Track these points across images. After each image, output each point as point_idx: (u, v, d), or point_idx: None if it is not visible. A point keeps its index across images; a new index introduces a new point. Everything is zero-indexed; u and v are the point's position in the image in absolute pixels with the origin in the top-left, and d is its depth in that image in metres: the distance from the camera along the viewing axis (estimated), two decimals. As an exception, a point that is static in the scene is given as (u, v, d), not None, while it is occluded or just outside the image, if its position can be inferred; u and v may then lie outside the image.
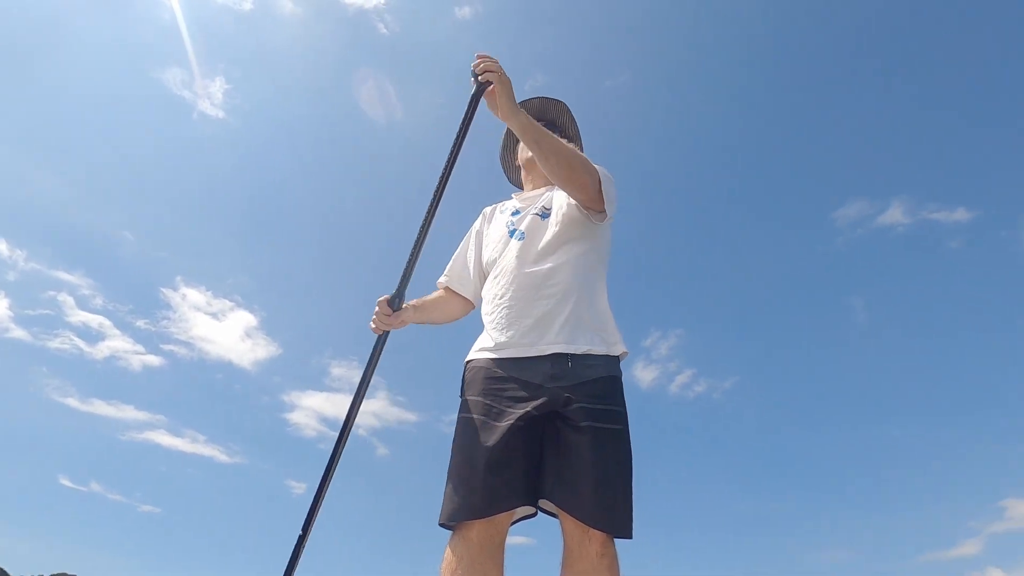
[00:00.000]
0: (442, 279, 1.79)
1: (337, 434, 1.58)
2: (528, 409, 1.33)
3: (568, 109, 1.82)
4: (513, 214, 1.67)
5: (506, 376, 1.40)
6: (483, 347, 1.49)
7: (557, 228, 1.53)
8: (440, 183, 1.54)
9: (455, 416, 1.46)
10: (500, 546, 1.30)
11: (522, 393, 1.36)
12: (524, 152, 1.78)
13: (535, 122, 1.46)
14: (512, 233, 1.61)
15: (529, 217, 1.60)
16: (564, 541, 1.29)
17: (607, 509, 1.24)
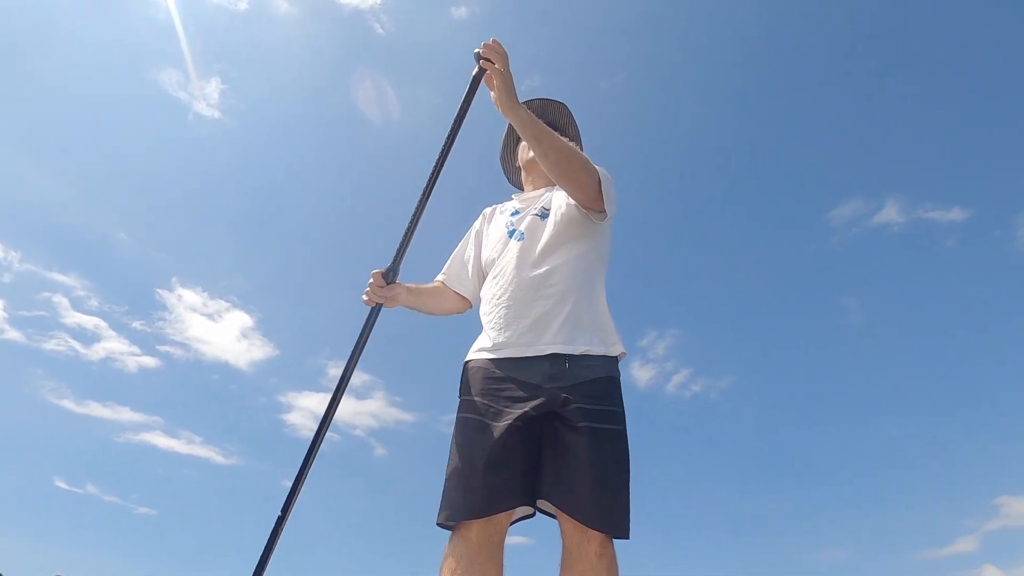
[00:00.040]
0: (440, 277, 1.79)
1: (324, 414, 1.58)
2: (526, 409, 1.33)
3: (569, 111, 1.82)
4: (513, 214, 1.67)
5: (504, 376, 1.40)
6: (481, 347, 1.49)
7: (556, 228, 1.53)
8: (440, 157, 1.55)
9: (453, 416, 1.45)
10: (499, 546, 1.30)
11: (520, 393, 1.36)
12: (525, 153, 1.78)
13: (536, 118, 1.46)
14: (511, 234, 1.60)
15: (529, 218, 1.59)
16: (563, 542, 1.28)
17: (605, 509, 1.24)
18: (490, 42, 1.47)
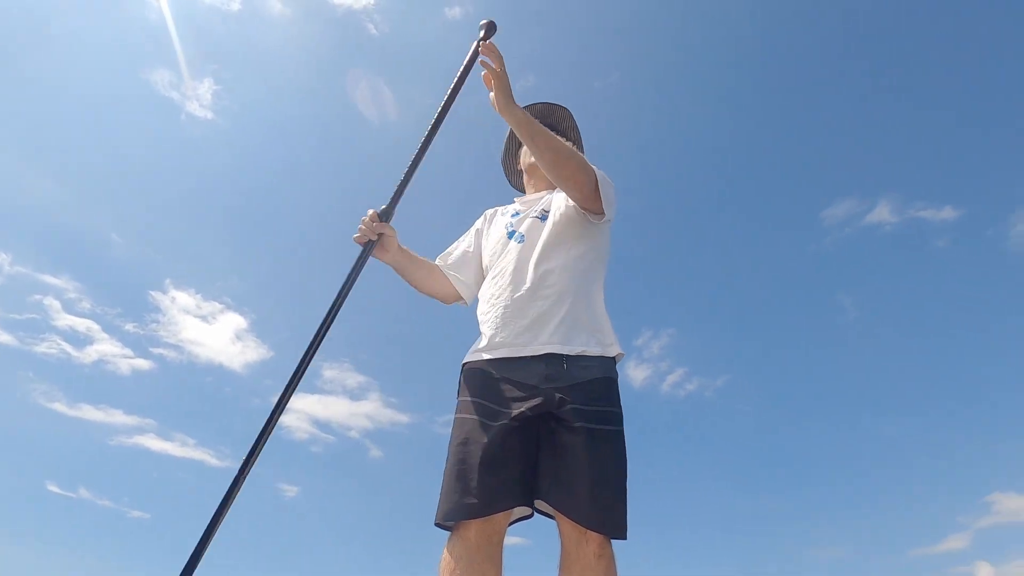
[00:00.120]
0: (437, 260, 1.79)
1: (285, 385, 1.46)
2: (523, 409, 1.33)
3: (571, 115, 1.84)
4: (513, 216, 1.68)
5: (501, 377, 1.40)
6: (479, 348, 1.49)
7: (555, 229, 1.53)
8: (444, 105, 1.57)
9: (449, 418, 1.45)
10: (498, 546, 1.30)
11: (517, 393, 1.36)
12: (526, 156, 1.78)
13: (532, 118, 1.47)
14: (511, 235, 1.61)
15: (529, 220, 1.60)
16: (561, 543, 1.28)
17: (603, 510, 1.24)
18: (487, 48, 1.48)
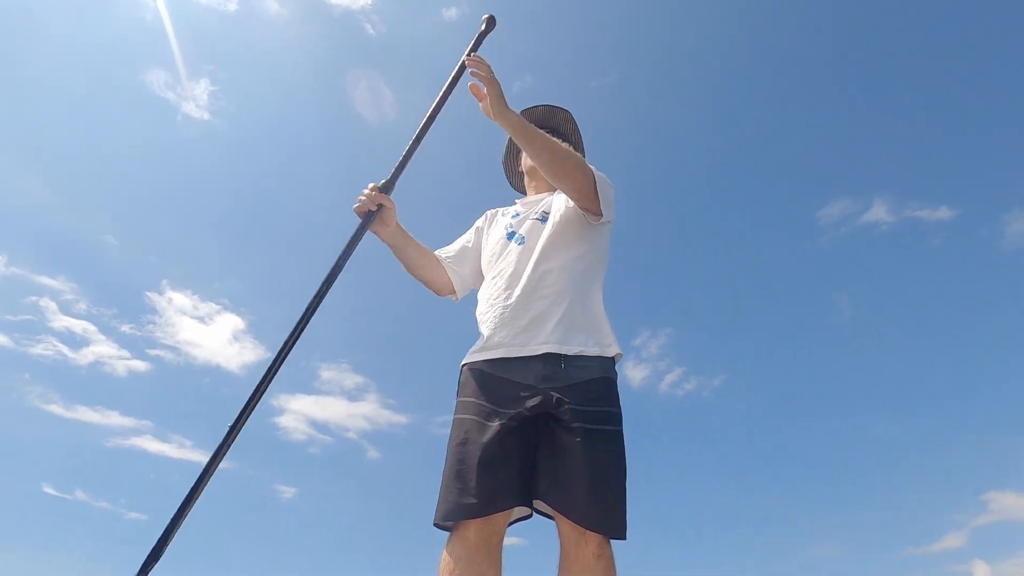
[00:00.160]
0: (437, 251, 1.79)
1: (261, 380, 1.38)
2: (521, 409, 1.33)
3: (572, 118, 1.85)
4: (513, 217, 1.68)
5: (499, 377, 1.40)
6: (477, 349, 1.49)
7: (555, 230, 1.54)
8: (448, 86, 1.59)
9: (447, 418, 1.46)
10: (498, 546, 1.29)
11: (515, 393, 1.36)
12: (527, 158, 1.79)
13: (526, 121, 1.48)
14: (511, 236, 1.62)
15: (529, 221, 1.61)
16: (561, 543, 1.28)
17: (601, 510, 1.24)
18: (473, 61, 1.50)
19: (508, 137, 1.90)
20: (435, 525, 1.31)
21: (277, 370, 1.36)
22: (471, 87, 1.53)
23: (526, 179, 1.86)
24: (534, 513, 1.41)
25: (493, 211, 1.83)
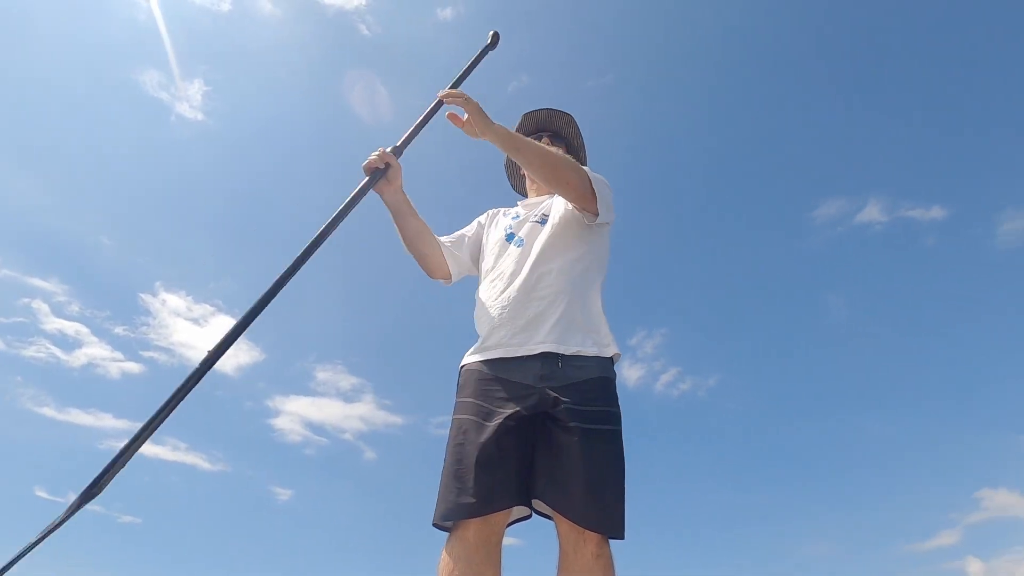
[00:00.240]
0: (441, 237, 1.79)
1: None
2: (518, 409, 1.33)
3: (574, 121, 1.87)
4: (514, 219, 1.69)
5: (497, 377, 1.40)
6: (476, 350, 1.49)
7: (554, 231, 1.55)
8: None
9: (444, 419, 1.46)
10: (497, 546, 1.29)
11: (513, 393, 1.36)
12: None
13: (512, 131, 1.49)
14: (510, 238, 1.63)
15: (528, 224, 1.62)
16: (560, 543, 1.28)
17: (599, 510, 1.24)
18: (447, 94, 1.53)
19: None
20: (434, 525, 1.31)
21: (264, 307, 1.35)
22: (448, 116, 1.54)
23: (528, 181, 1.87)
24: (533, 514, 1.41)
25: (495, 210, 1.84)
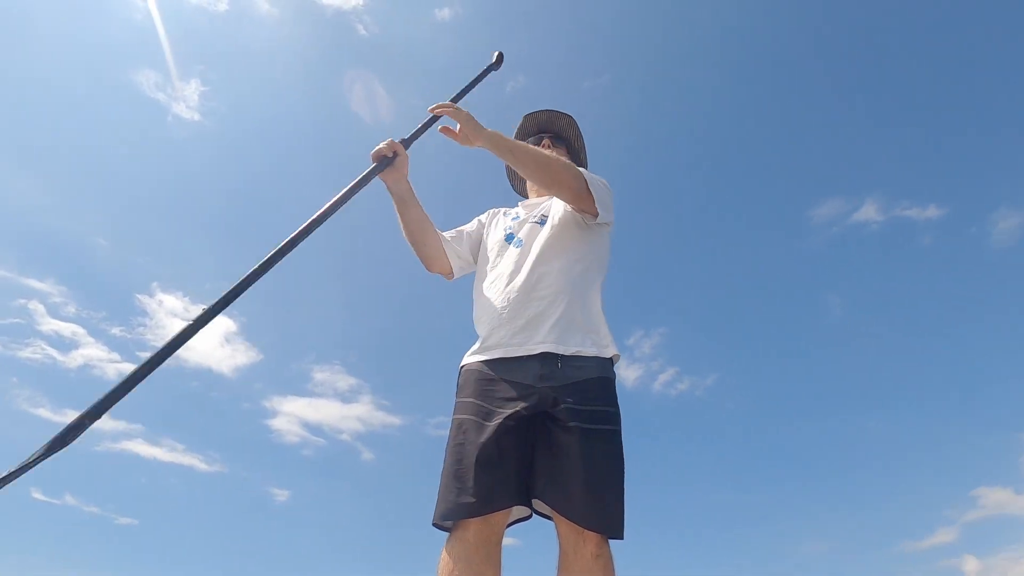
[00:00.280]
0: (442, 232, 1.80)
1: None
2: (518, 409, 1.33)
3: (575, 123, 1.88)
4: (514, 219, 1.70)
5: (497, 377, 1.40)
6: (476, 350, 1.49)
7: (553, 232, 1.55)
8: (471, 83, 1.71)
9: (441, 419, 1.46)
10: (497, 546, 1.29)
11: (512, 393, 1.36)
12: None
13: (504, 135, 1.51)
14: (509, 239, 1.63)
15: (528, 224, 1.62)
16: (559, 543, 1.28)
17: (599, 510, 1.24)
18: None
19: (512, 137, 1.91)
20: (434, 525, 1.31)
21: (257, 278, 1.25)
22: (441, 130, 1.56)
23: (528, 182, 1.88)
24: (533, 514, 1.41)
25: (496, 210, 1.84)
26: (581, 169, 1.53)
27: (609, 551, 1.24)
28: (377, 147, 1.54)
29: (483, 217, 1.83)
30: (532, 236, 1.58)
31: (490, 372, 1.42)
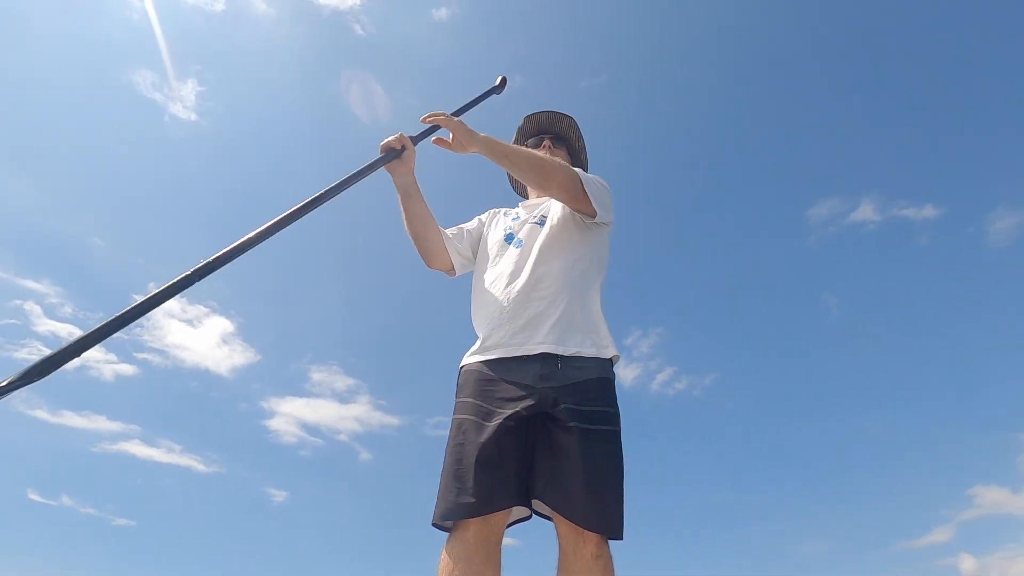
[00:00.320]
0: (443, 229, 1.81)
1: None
2: (518, 409, 1.33)
3: (576, 124, 1.88)
4: (513, 219, 1.70)
5: (496, 377, 1.40)
6: (475, 350, 1.49)
7: (552, 233, 1.56)
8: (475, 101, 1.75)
9: (439, 419, 1.46)
10: (497, 547, 1.29)
11: (512, 393, 1.36)
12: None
13: (498, 139, 1.52)
14: (508, 239, 1.63)
15: (528, 225, 1.63)
16: (559, 544, 1.28)
17: (598, 510, 1.24)
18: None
19: (512, 141, 1.91)
20: (434, 525, 1.30)
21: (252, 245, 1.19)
22: (435, 141, 1.59)
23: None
24: (533, 514, 1.41)
25: (496, 210, 1.85)
26: (576, 169, 1.53)
27: (609, 551, 1.24)
28: (387, 139, 1.55)
29: (484, 216, 1.84)
30: (532, 236, 1.58)
31: (490, 372, 1.42)
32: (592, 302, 1.52)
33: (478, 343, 1.49)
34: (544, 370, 1.37)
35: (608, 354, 1.45)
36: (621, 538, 1.26)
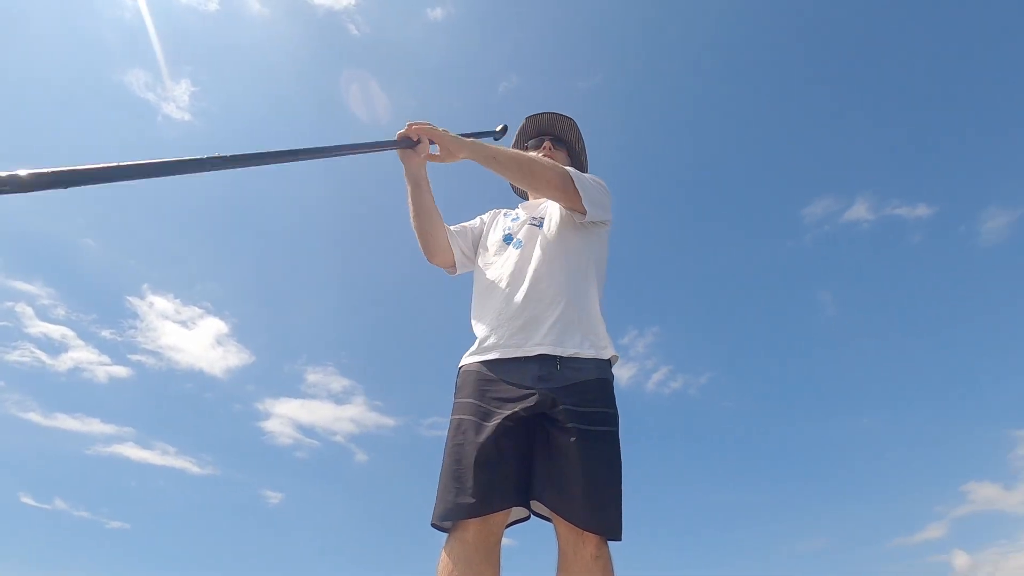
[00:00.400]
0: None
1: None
2: (516, 410, 1.33)
3: (576, 125, 1.89)
4: (513, 220, 1.71)
5: (495, 378, 1.41)
6: (474, 351, 1.49)
7: (551, 234, 1.56)
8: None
9: (435, 420, 1.46)
10: (496, 547, 1.29)
11: (511, 394, 1.36)
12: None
13: (484, 143, 1.52)
14: (507, 240, 1.64)
15: (527, 226, 1.63)
16: (559, 545, 1.28)
17: (597, 511, 1.24)
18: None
19: (512, 142, 1.92)
20: (433, 525, 1.30)
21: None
22: (426, 158, 1.58)
23: None
24: (531, 515, 1.41)
25: (496, 211, 1.85)
26: (568, 168, 1.54)
27: (608, 552, 1.25)
28: (406, 127, 1.54)
29: (485, 216, 1.84)
30: (531, 237, 1.59)
31: (489, 373, 1.42)
32: (591, 303, 1.52)
33: (477, 343, 1.49)
34: (543, 371, 1.37)
35: (607, 355, 1.45)
36: (620, 539, 1.26)
